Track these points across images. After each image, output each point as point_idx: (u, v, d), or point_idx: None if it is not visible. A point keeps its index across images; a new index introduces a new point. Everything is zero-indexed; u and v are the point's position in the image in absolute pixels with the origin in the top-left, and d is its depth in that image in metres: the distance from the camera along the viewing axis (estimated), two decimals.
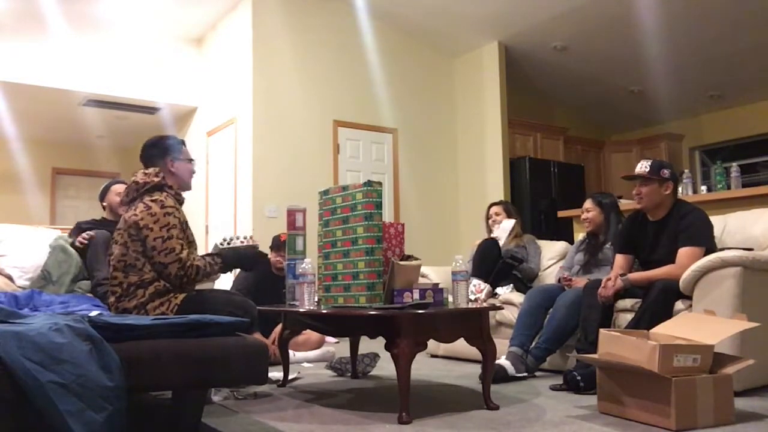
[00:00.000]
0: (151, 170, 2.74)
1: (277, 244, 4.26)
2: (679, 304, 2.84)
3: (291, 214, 3.04)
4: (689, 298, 2.82)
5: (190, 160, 2.88)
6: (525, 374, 3.13)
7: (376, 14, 6.75)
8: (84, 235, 3.57)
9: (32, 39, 6.29)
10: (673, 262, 2.91)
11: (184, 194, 2.86)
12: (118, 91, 6.80)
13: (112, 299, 2.61)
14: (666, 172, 3.00)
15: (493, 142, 6.98)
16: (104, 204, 3.95)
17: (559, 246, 4.22)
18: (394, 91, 6.93)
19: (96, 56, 6.62)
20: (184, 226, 2.69)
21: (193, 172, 2.90)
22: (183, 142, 2.90)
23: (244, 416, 2.39)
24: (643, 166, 3.05)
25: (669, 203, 3.03)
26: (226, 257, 2.77)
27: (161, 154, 2.79)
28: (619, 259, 3.15)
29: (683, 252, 2.88)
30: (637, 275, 3.01)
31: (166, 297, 2.57)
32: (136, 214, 2.58)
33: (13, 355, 1.51)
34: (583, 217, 3.72)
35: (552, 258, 4.16)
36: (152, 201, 2.61)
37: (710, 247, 2.92)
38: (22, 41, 6.29)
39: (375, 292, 2.47)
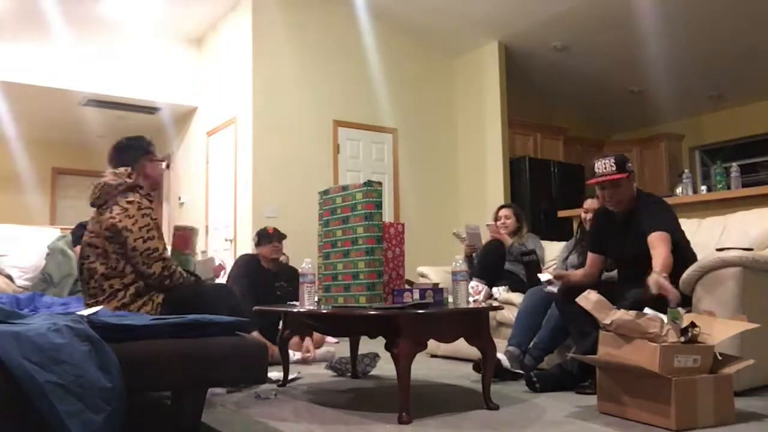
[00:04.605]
0: (121, 170, 2.70)
1: (267, 236, 4.21)
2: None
3: (180, 235, 2.96)
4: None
5: (160, 160, 2.89)
6: (520, 371, 3.12)
7: (376, 14, 6.75)
8: None
9: (33, 39, 6.29)
10: (644, 254, 2.72)
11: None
12: (118, 91, 6.79)
13: (91, 302, 2.53)
14: (630, 165, 2.85)
15: (493, 142, 6.98)
16: None
17: (560, 247, 4.21)
18: (394, 91, 6.93)
19: (96, 56, 6.62)
20: (159, 226, 2.69)
21: (163, 171, 2.91)
22: (150, 143, 2.86)
23: (244, 416, 2.39)
24: (606, 166, 2.80)
25: (634, 194, 2.90)
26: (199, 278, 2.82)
27: (131, 156, 2.76)
28: (590, 258, 3.07)
29: (655, 236, 2.67)
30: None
31: (147, 296, 2.56)
32: (113, 217, 2.55)
33: (12, 356, 1.50)
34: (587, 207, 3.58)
35: (553, 259, 4.15)
36: (128, 203, 2.59)
37: (677, 231, 2.80)
38: (22, 41, 6.29)
39: (375, 292, 2.47)
